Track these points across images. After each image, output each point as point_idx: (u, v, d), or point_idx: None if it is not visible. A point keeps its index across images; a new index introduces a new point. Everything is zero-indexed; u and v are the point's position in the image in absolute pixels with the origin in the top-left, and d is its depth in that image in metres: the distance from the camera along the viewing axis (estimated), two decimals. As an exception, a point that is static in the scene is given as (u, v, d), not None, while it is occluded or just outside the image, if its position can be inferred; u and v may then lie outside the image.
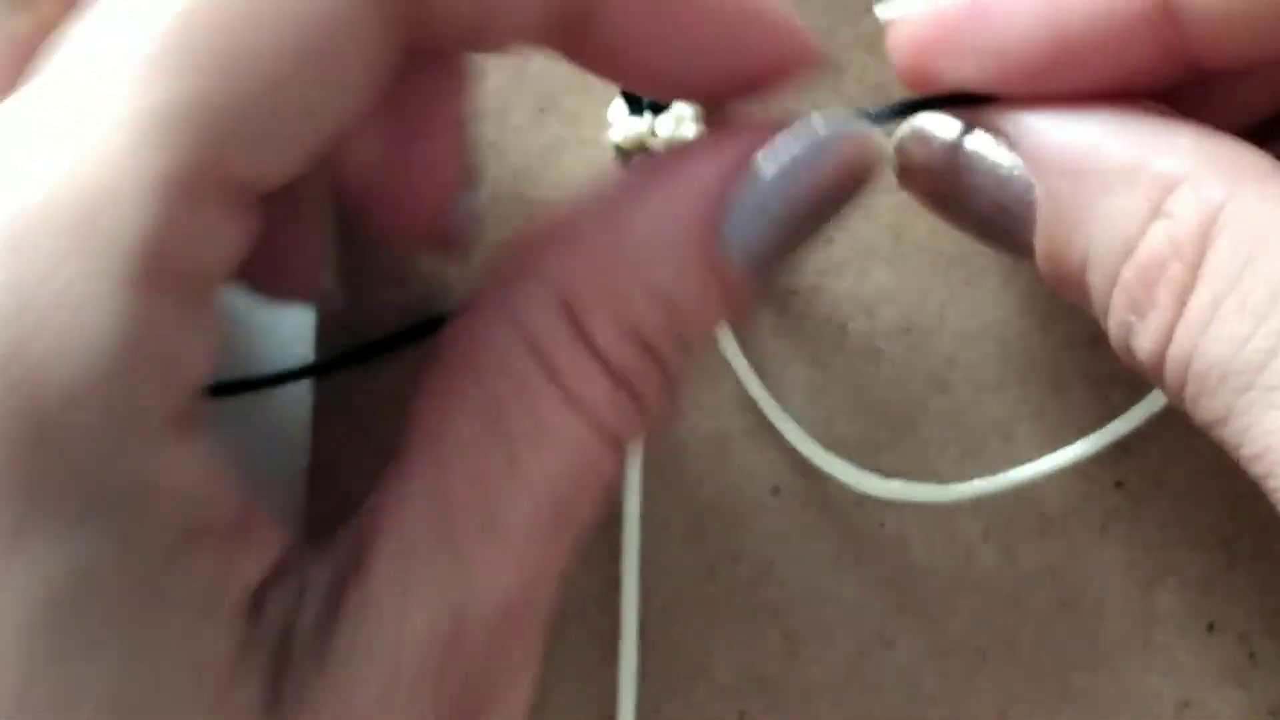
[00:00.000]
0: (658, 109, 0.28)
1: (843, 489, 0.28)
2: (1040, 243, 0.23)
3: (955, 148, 0.24)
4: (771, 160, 0.23)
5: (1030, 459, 0.28)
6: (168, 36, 0.19)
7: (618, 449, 0.24)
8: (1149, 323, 0.22)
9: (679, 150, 0.24)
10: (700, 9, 0.23)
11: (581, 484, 0.23)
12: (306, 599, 0.21)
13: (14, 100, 0.20)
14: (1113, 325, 0.23)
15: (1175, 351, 0.22)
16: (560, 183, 0.30)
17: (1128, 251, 0.22)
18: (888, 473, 0.29)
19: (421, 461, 0.23)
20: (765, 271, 0.24)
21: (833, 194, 0.24)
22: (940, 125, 0.25)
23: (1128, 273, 0.22)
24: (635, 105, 0.29)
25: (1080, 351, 0.29)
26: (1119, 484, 0.28)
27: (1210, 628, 0.28)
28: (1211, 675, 0.28)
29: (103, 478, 0.19)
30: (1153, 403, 0.27)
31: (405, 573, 0.22)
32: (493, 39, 0.23)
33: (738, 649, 0.29)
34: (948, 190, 0.25)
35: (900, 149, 0.25)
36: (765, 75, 0.24)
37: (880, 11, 0.26)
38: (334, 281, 0.26)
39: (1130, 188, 0.22)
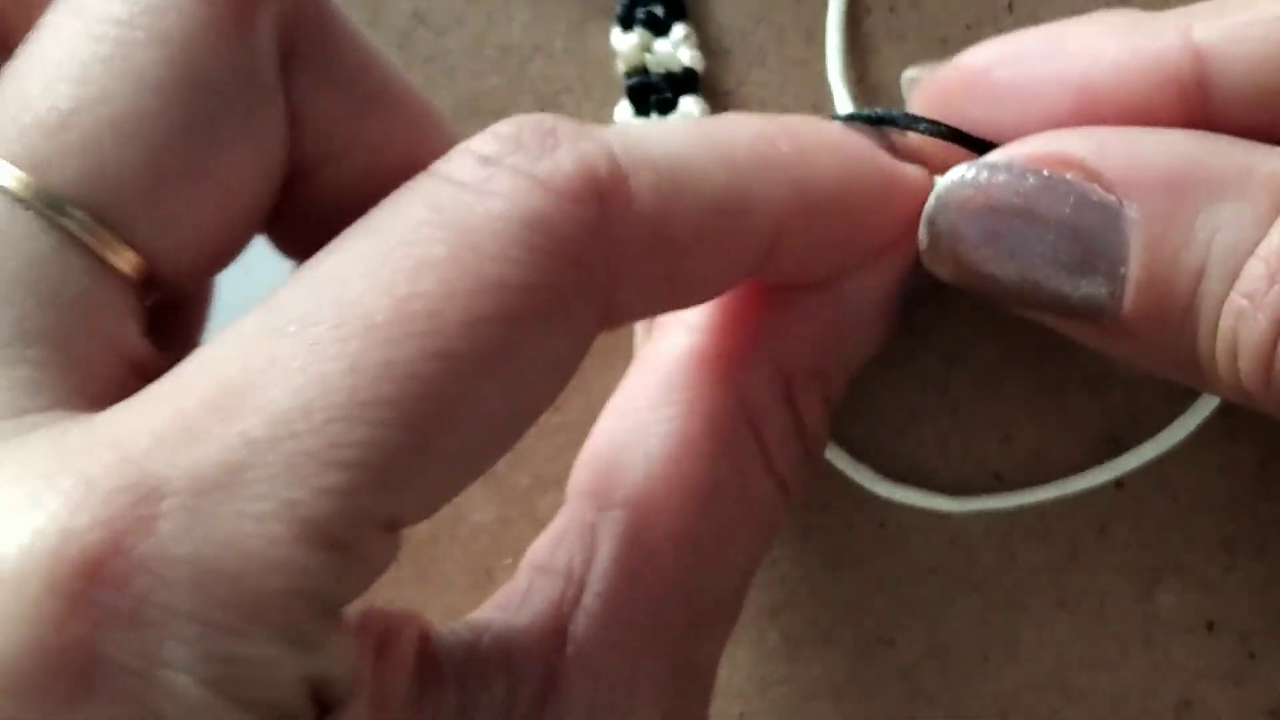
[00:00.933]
0: (664, 109, 0.28)
1: (843, 488, 0.28)
2: (1140, 269, 0.22)
3: (1017, 185, 0.23)
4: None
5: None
6: (381, 385, 0.18)
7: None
8: (1268, 300, 0.21)
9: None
10: (856, 235, 0.24)
11: (767, 548, 0.25)
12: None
13: (182, 411, 0.18)
14: (1223, 328, 0.22)
15: None
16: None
17: (1251, 250, 0.21)
18: (888, 472, 0.29)
19: (629, 531, 0.23)
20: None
21: None
22: (994, 165, 0.23)
23: (1253, 267, 0.21)
24: (641, 107, 0.29)
25: (1080, 351, 0.29)
26: (1119, 484, 0.28)
27: (1210, 627, 0.28)
28: (1211, 675, 0.28)
29: None
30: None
31: (630, 660, 0.22)
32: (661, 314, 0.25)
33: (738, 649, 0.29)
34: (1004, 240, 0.23)
35: (941, 207, 0.24)
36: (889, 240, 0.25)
37: (907, 73, 0.27)
38: None
39: (1245, 190, 0.22)
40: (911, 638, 0.29)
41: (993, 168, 0.23)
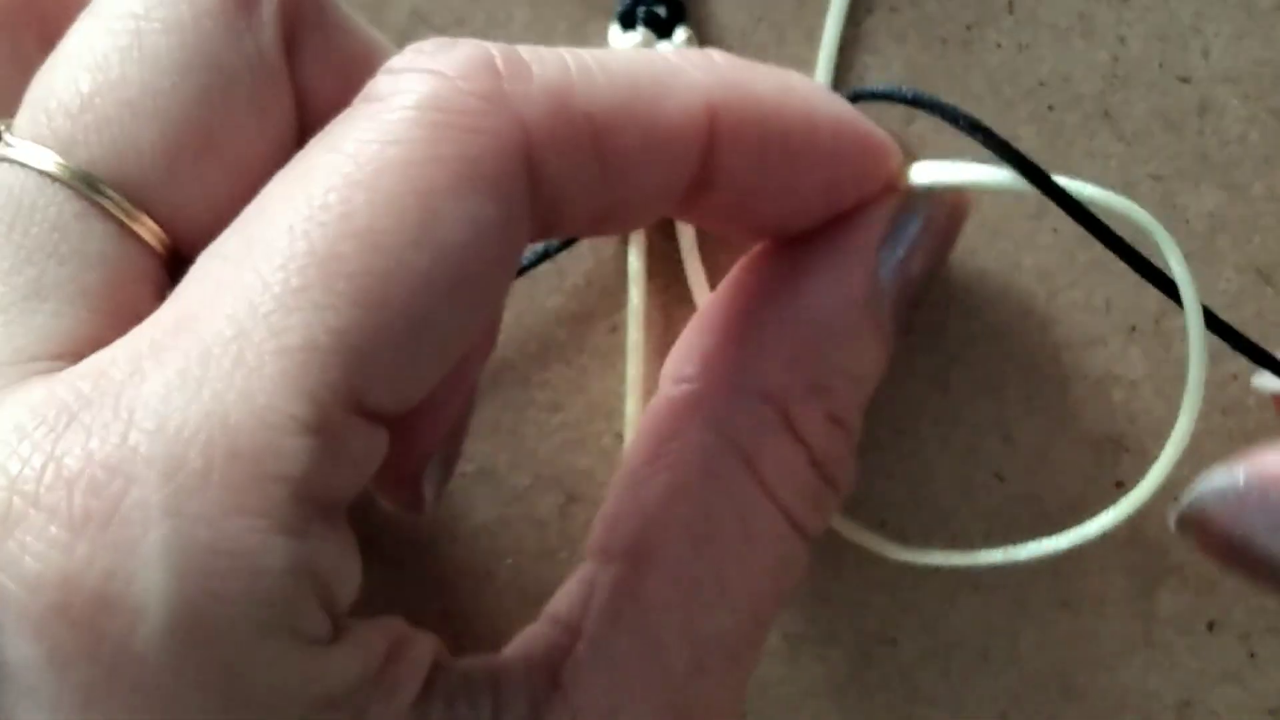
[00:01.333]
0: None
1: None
2: None
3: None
4: (906, 226, 0.25)
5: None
6: (307, 270, 0.19)
7: (810, 541, 0.25)
8: None
9: (828, 226, 0.25)
10: (805, 158, 0.24)
11: (781, 587, 0.24)
12: None
13: (152, 339, 0.20)
14: None
15: None
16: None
17: None
18: (887, 472, 0.29)
19: (624, 580, 0.23)
20: (906, 315, 0.26)
21: (950, 238, 0.27)
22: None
23: None
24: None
25: (1080, 351, 0.29)
26: (1119, 484, 0.28)
27: (1210, 628, 0.28)
28: (1211, 675, 0.28)
29: (258, 684, 0.19)
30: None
31: (615, 701, 0.22)
32: (617, 229, 0.25)
33: (738, 649, 0.29)
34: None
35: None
36: (855, 195, 0.25)
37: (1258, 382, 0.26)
38: (436, 496, 0.26)
39: None
40: (911, 638, 0.29)
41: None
